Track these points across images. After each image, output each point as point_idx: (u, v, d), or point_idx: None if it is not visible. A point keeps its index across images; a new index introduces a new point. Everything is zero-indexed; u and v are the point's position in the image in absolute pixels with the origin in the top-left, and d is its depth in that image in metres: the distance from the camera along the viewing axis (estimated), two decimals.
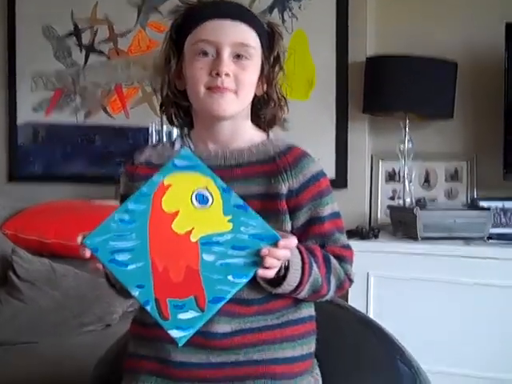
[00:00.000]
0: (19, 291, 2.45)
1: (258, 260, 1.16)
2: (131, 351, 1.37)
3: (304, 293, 1.27)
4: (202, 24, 1.31)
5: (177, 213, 1.18)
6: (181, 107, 1.38)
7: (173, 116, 1.39)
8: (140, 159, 1.39)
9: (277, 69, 1.37)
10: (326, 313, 1.43)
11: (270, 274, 1.19)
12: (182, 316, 1.16)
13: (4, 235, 2.74)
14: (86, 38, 3.59)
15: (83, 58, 3.59)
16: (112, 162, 3.47)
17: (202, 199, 1.17)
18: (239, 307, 1.26)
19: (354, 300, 2.53)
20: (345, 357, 1.63)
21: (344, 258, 1.33)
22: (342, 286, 1.34)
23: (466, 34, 2.97)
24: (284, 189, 1.29)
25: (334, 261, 1.31)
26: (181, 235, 1.17)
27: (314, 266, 1.26)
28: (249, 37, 1.32)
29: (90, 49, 3.58)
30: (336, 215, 1.35)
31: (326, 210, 1.32)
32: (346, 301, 2.47)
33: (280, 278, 1.23)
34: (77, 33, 3.60)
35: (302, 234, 1.31)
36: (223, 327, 1.26)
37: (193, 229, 1.17)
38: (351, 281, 1.35)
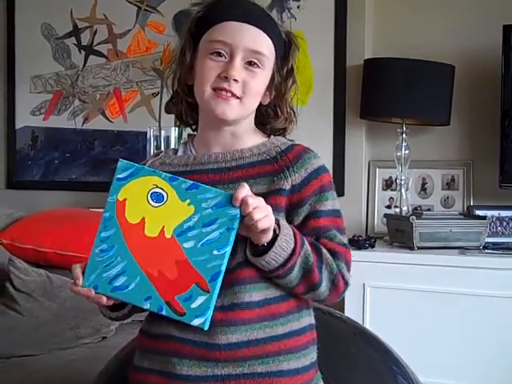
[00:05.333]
0: (16, 302, 2.45)
1: (230, 224, 1.20)
2: (136, 364, 1.36)
3: (296, 269, 1.24)
4: (221, 23, 1.30)
5: (143, 220, 1.23)
6: (189, 103, 1.38)
7: (182, 112, 1.40)
8: None
9: (290, 82, 1.37)
10: (325, 325, 1.44)
11: (265, 223, 1.18)
12: (194, 305, 1.21)
13: (0, 245, 2.74)
14: (85, 39, 3.59)
15: (82, 60, 3.59)
16: (110, 168, 3.48)
17: (157, 197, 1.22)
18: (242, 312, 1.25)
19: (350, 310, 2.54)
20: (344, 369, 1.65)
21: (337, 254, 1.29)
22: (336, 285, 1.30)
23: (464, 37, 2.96)
24: (287, 185, 1.28)
25: (325, 251, 1.28)
26: (156, 237, 1.22)
27: (305, 240, 1.26)
28: (264, 46, 1.31)
29: (89, 50, 3.58)
30: (336, 213, 1.33)
31: (326, 206, 1.30)
32: (342, 311, 2.48)
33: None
34: (76, 33, 3.59)
35: (299, 229, 1.29)
36: (229, 338, 1.25)
37: (163, 227, 1.22)
38: (346, 283, 1.31)
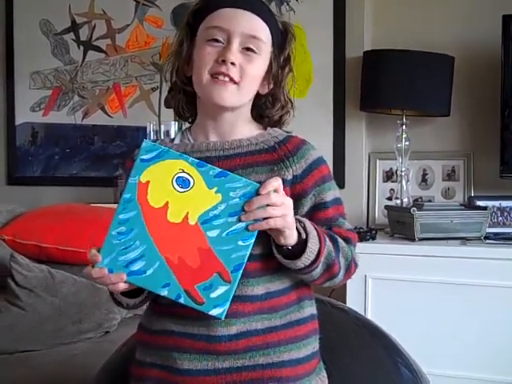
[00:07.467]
0: (18, 298, 2.46)
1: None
2: (138, 358, 1.37)
3: (320, 267, 1.26)
4: (217, 10, 1.32)
5: (166, 205, 1.19)
6: (187, 95, 1.39)
7: (179, 104, 1.40)
8: None
9: (286, 70, 1.38)
10: (327, 316, 1.45)
11: (275, 223, 1.18)
12: (214, 294, 1.19)
13: (2, 241, 2.74)
14: (83, 34, 3.58)
15: (81, 55, 3.58)
16: (110, 163, 3.49)
17: (183, 182, 1.18)
18: (242, 305, 1.26)
19: (352, 302, 2.54)
20: (347, 359, 1.65)
21: (349, 240, 1.33)
22: (350, 269, 1.33)
23: (463, 28, 2.95)
24: (288, 175, 1.29)
25: (340, 240, 1.30)
26: (179, 223, 1.18)
27: (326, 237, 1.27)
28: (261, 30, 1.33)
29: (88, 45, 3.57)
30: (338, 201, 1.35)
31: (329, 196, 1.32)
32: (344, 303, 2.49)
33: (296, 252, 1.23)
34: (74, 28, 3.59)
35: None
36: (228, 329, 1.25)
37: (187, 213, 1.18)
38: (356, 265, 1.35)
